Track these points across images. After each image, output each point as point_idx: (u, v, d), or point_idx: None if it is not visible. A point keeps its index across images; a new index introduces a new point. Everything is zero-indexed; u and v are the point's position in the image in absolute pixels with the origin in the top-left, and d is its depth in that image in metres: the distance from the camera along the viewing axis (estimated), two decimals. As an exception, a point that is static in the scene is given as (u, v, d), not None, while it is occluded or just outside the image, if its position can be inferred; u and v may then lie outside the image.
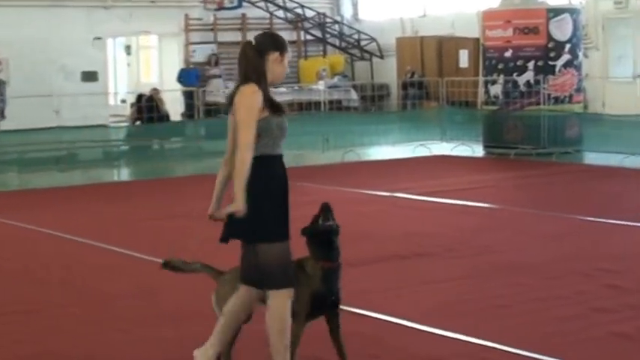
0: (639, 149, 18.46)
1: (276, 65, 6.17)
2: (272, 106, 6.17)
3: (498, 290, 8.49)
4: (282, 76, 6.36)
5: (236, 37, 33.31)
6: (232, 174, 6.03)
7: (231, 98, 6.16)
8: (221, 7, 32.65)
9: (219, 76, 29.73)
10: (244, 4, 32.58)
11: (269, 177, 6.12)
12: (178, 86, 28.13)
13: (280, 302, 5.96)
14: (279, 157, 6.27)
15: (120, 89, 34.55)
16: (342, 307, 6.36)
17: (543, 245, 10.63)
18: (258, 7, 32.70)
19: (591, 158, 19.18)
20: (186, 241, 10.41)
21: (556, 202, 13.84)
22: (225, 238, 6.05)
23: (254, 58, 6.10)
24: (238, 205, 5.87)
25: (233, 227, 5.98)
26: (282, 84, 31.05)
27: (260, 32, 6.43)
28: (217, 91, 27.93)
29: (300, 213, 12.16)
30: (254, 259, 6.00)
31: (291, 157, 19.60)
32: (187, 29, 31.90)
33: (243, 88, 6.07)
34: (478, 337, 6.99)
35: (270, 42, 6.20)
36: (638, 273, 9.08)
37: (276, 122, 6.21)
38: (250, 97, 6.04)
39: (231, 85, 29.33)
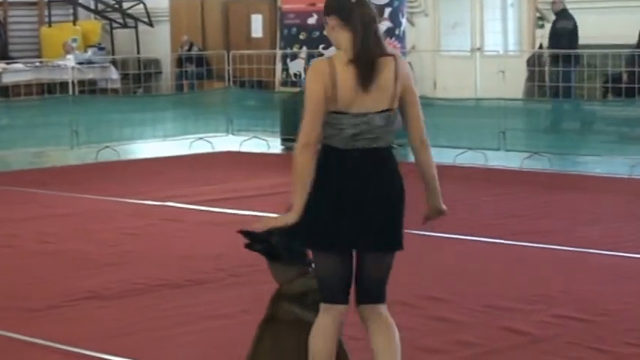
0: (478, 142, 19.02)
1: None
2: None
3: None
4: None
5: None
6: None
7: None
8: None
9: None
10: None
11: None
12: None
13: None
14: None
15: None
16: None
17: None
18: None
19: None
20: None
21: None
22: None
23: None
24: None
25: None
26: (19, 58, 30.67)
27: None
28: None
29: (42, 228, 12.00)
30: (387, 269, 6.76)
31: (29, 156, 19.62)
32: None
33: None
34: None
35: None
36: (469, 301, 9.33)
37: None
38: None
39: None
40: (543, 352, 7.85)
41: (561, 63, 21.90)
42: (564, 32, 22.51)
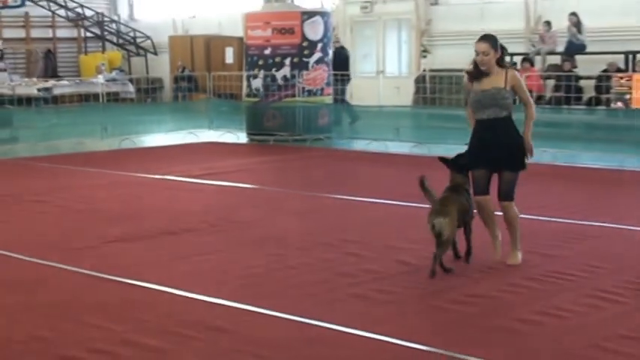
0: (381, 135, 19.15)
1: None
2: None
3: (255, 260, 8.64)
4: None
5: (20, 34, 32.48)
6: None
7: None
8: (5, 6, 31.67)
9: (5, 70, 28.79)
10: (27, 2, 31.73)
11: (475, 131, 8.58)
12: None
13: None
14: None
15: None
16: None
17: (295, 220, 10.88)
18: (41, 5, 31.91)
19: (340, 144, 19.69)
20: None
21: (308, 182, 14.14)
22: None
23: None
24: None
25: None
26: (65, 77, 30.45)
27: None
28: (2, 83, 27.01)
29: (82, 194, 12.02)
30: (513, 182, 8.43)
31: (72, 145, 19.55)
32: (-27, 26, 30.84)
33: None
34: (237, 301, 7.13)
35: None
36: (374, 243, 9.42)
37: None
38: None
39: (16, 77, 28.66)
40: (422, 276, 7.89)
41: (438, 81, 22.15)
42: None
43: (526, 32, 24.55)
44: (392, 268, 8.29)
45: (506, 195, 8.42)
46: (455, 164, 8.61)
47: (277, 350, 6.06)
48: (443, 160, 8.76)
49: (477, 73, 8.32)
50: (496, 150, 8.32)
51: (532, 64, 22.06)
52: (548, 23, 23.31)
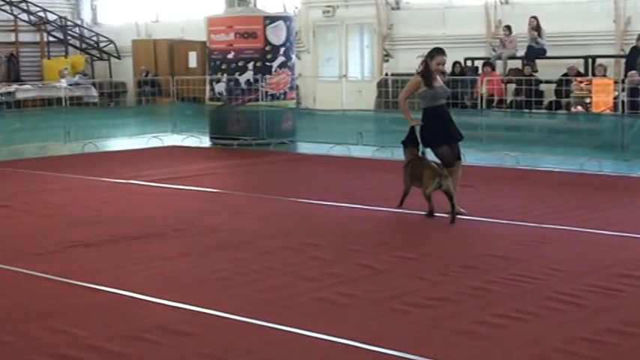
0: (343, 139, 19.16)
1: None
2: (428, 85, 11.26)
3: (219, 265, 8.61)
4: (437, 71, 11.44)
5: (-16, 37, 32.27)
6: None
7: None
8: (-33, 10, 31.45)
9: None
10: (-11, 6, 31.51)
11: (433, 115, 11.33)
12: None
13: None
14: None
15: None
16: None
17: (259, 224, 10.84)
18: (3, 10, 31.73)
19: (304, 148, 19.68)
20: None
21: (272, 186, 14.09)
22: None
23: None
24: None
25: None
26: (27, 81, 30.24)
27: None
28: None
29: (45, 198, 11.94)
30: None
31: (34, 149, 19.40)
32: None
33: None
34: (201, 306, 7.09)
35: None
36: (337, 246, 9.43)
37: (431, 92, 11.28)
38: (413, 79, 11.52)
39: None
40: (384, 280, 7.93)
41: (400, 85, 22.17)
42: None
43: (487, 37, 24.71)
44: (354, 271, 8.29)
45: (459, 156, 11.51)
46: (412, 142, 11.45)
47: (242, 355, 6.04)
48: (406, 142, 11.57)
49: (431, 76, 11.31)
50: (451, 126, 11.45)
51: (493, 69, 22.19)
52: (508, 28, 23.47)
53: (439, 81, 11.42)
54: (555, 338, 6.27)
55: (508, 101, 21.53)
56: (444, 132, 11.28)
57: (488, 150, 17.22)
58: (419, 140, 11.39)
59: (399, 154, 17.31)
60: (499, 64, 23.13)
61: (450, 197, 10.72)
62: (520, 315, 6.81)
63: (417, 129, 11.38)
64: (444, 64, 11.44)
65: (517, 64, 23.01)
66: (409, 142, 11.50)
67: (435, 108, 11.34)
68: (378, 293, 7.49)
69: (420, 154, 11.42)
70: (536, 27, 22.59)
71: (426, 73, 11.30)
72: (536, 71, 22.12)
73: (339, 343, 6.23)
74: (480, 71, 22.63)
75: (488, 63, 22.27)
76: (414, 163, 11.34)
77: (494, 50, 23.97)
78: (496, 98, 21.37)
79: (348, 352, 6.08)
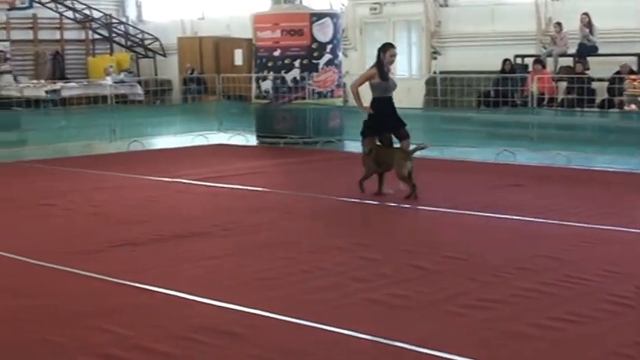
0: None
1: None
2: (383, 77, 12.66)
3: (266, 264, 8.59)
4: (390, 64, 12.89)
5: (28, 35, 32.54)
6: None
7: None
8: (13, 7, 31.70)
9: (10, 72, 28.81)
10: (35, 4, 31.73)
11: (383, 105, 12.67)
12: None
13: None
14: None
15: None
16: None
17: (306, 223, 10.84)
18: (49, 7, 31.98)
19: (351, 146, 19.59)
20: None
21: (318, 185, 14.05)
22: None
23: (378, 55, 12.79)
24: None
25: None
26: (73, 79, 30.47)
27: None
28: (9, 85, 27.04)
29: (91, 197, 12.00)
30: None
31: (80, 147, 19.54)
32: (-20, 28, 30.92)
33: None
34: (248, 306, 7.07)
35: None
36: (388, 246, 9.38)
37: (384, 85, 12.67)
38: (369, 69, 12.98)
39: (24, 79, 28.69)
40: (436, 281, 7.87)
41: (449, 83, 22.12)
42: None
43: (537, 34, 24.50)
44: (405, 272, 8.23)
45: (407, 135, 12.73)
46: (371, 132, 12.76)
47: (291, 356, 6.01)
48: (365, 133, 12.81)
49: (384, 68, 12.68)
50: (396, 115, 12.81)
51: (544, 66, 21.98)
52: (559, 24, 23.24)
53: (391, 74, 13.00)
54: (612, 341, 6.18)
55: (559, 99, 21.33)
56: (389, 122, 12.69)
57: (539, 149, 17.09)
58: (376, 129, 12.75)
59: (449, 152, 17.31)
60: (550, 61, 22.91)
61: (411, 178, 12.20)
62: (575, 317, 6.71)
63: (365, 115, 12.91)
64: (395, 55, 12.85)
65: (568, 61, 22.78)
66: (368, 132, 12.79)
67: (384, 99, 12.69)
68: (429, 294, 7.43)
69: (377, 143, 12.73)
70: (587, 24, 22.35)
71: (380, 65, 12.64)
72: (588, 69, 21.88)
73: (390, 345, 6.17)
74: (530, 69, 22.43)
75: (539, 60, 22.05)
76: (377, 149, 12.64)
77: (544, 47, 23.76)
78: (547, 96, 21.16)
79: (399, 355, 6.03)
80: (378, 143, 12.80)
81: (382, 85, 12.67)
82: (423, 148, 12.81)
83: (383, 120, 12.64)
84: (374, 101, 12.79)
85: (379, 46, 13.03)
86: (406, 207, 11.82)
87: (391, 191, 12.53)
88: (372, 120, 12.75)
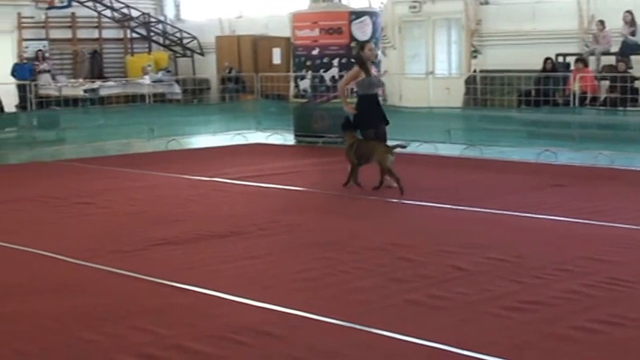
0: (431, 137, 19.02)
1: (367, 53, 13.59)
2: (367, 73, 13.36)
3: (306, 264, 8.59)
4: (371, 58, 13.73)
5: (66, 34, 32.72)
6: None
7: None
8: (52, 6, 31.90)
9: (48, 71, 28.99)
10: (74, 3, 31.94)
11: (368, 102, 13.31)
12: (11, 80, 27.22)
13: None
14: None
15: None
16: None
17: (345, 224, 10.81)
18: (87, 6, 32.12)
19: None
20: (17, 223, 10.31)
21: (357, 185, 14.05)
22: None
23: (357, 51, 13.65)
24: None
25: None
26: (111, 78, 30.64)
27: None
28: (48, 84, 27.22)
29: (129, 195, 12.06)
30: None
31: (118, 146, 19.65)
32: (20, 27, 31.10)
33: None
34: (288, 307, 7.07)
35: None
36: (427, 247, 9.33)
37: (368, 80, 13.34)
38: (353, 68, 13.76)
39: (62, 78, 28.91)
40: (476, 282, 7.83)
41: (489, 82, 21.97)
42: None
43: (579, 32, 24.29)
44: (445, 273, 8.20)
45: (384, 135, 13.47)
46: (352, 126, 13.35)
47: (330, 357, 6.00)
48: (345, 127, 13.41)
49: (366, 64, 13.34)
50: (380, 113, 13.45)
51: (586, 65, 21.76)
52: (601, 22, 23.02)
53: (374, 71, 13.87)
54: (657, 346, 6.11)
55: (601, 98, 21.12)
56: (375, 118, 13.37)
57: (581, 149, 16.97)
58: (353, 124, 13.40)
59: (488, 152, 17.23)
60: (592, 60, 22.68)
61: (391, 171, 12.70)
62: (618, 320, 6.64)
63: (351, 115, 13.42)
64: (373, 49, 13.99)
65: (611, 60, 22.55)
66: (349, 127, 13.38)
67: (369, 96, 13.38)
68: (470, 296, 7.39)
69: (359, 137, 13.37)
70: (630, 22, 22.13)
71: (360, 61, 13.44)
72: (631, 67, 21.64)
73: (430, 346, 6.15)
74: (571, 67, 22.24)
75: (581, 59, 21.84)
76: (358, 144, 13.23)
77: (586, 46, 23.54)
78: (589, 95, 20.96)
79: (439, 357, 6.00)
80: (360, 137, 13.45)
81: (366, 81, 13.37)
82: (403, 147, 13.38)
83: (365, 117, 13.31)
84: (359, 99, 13.62)
85: (357, 46, 14.14)
86: (444, 207, 11.76)
87: (394, 185, 12.80)
88: (356, 117, 13.37)
